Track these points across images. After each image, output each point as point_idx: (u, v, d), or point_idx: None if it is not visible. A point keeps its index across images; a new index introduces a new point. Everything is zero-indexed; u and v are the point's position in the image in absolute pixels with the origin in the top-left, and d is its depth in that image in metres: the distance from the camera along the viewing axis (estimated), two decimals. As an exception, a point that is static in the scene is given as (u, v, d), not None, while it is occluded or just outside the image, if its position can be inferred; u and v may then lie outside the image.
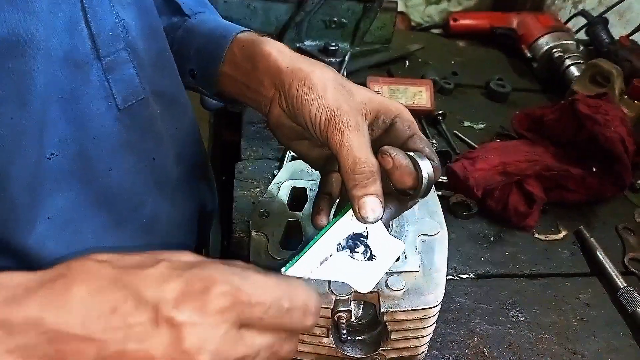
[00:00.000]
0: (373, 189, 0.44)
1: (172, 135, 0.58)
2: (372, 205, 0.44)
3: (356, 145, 0.45)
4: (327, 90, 0.47)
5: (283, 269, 0.43)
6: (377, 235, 0.47)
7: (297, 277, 0.42)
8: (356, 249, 0.46)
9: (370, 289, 0.46)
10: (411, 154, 0.46)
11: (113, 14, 0.46)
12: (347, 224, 0.47)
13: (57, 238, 0.46)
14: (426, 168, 0.45)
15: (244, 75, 0.55)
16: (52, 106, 0.43)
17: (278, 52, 0.52)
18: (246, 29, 0.59)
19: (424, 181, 0.45)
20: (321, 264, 0.44)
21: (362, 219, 0.45)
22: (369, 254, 0.47)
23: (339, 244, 0.46)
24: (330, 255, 0.45)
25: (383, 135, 0.50)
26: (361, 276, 0.46)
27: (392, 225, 0.59)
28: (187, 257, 0.35)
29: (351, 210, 0.46)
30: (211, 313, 0.32)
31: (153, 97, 0.52)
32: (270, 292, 0.34)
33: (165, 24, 0.62)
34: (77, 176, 0.47)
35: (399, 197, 0.48)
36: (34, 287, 0.32)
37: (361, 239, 0.47)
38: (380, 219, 0.45)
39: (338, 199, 0.54)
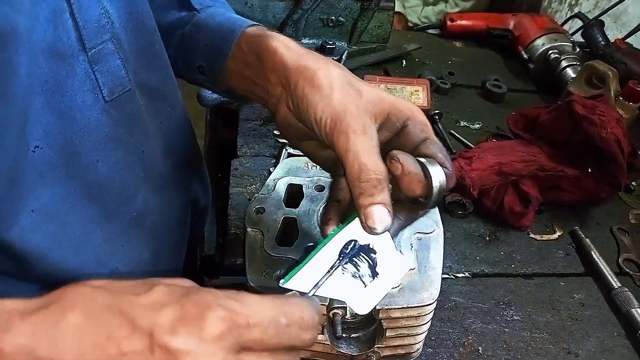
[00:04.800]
0: (380, 198, 0.41)
1: (159, 129, 0.57)
2: (379, 215, 0.41)
3: (362, 151, 0.42)
4: (333, 91, 0.45)
5: (282, 281, 0.40)
6: (383, 249, 0.44)
7: (297, 292, 0.40)
8: (359, 263, 0.43)
9: (368, 311, 0.43)
10: (422, 160, 0.43)
11: (98, 5, 0.46)
12: (351, 234, 0.44)
13: (43, 231, 0.45)
14: (437, 175, 0.42)
15: (251, 72, 0.53)
16: (36, 98, 0.42)
17: (285, 48, 0.49)
18: (255, 23, 0.57)
19: (435, 190, 0.42)
20: (321, 277, 0.41)
21: (369, 230, 0.42)
22: (372, 270, 0.43)
23: (342, 255, 0.43)
24: (332, 268, 0.42)
25: (394, 139, 0.47)
26: (361, 295, 0.42)
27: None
28: (183, 282, 0.35)
29: (357, 220, 0.43)
30: (208, 339, 0.31)
31: (138, 90, 0.52)
32: (267, 312, 0.33)
33: (174, 19, 0.61)
34: (63, 169, 0.46)
35: (410, 205, 0.46)
36: (27, 314, 0.31)
37: (366, 251, 0.44)
38: (389, 230, 0.42)
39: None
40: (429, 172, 0.42)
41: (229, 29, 0.56)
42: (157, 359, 0.30)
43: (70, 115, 0.45)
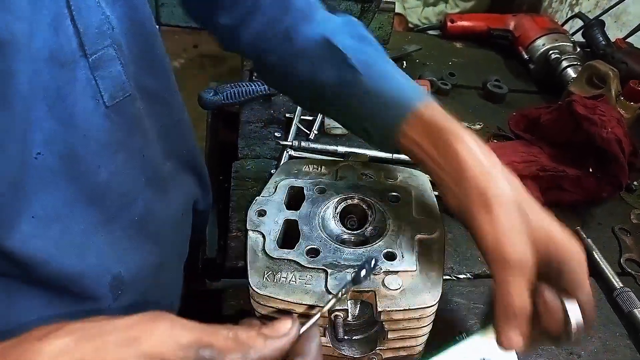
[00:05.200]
0: (517, 325, 0.45)
1: (159, 132, 0.58)
2: (513, 338, 0.45)
3: (513, 285, 0.45)
4: (503, 219, 0.46)
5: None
6: None
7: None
8: None
9: None
10: (566, 300, 0.46)
11: (99, 11, 0.46)
12: (482, 345, 0.49)
13: (44, 237, 0.45)
14: (576, 319, 0.46)
15: (423, 154, 0.53)
16: (38, 105, 0.42)
17: (471, 156, 0.49)
18: (425, 96, 0.55)
19: (572, 332, 0.46)
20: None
21: (499, 346, 0.46)
22: None
23: None
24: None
25: (547, 272, 0.48)
26: None
27: (389, 225, 0.59)
28: (155, 344, 0.32)
29: (492, 333, 0.48)
30: None
31: (138, 94, 0.52)
32: None
33: (334, 78, 0.59)
34: (65, 175, 0.46)
35: (545, 337, 0.49)
36: None
37: None
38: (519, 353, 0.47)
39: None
40: (568, 314, 0.46)
41: (398, 101, 0.55)
42: None
43: (72, 122, 0.45)
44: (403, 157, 0.93)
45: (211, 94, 0.96)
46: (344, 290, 0.49)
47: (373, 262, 0.49)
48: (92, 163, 0.48)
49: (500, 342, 0.46)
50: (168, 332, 0.33)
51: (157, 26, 0.56)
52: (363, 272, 0.48)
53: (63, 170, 0.46)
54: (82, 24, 0.44)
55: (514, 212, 0.47)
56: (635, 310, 0.71)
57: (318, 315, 0.41)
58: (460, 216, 0.51)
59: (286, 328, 0.37)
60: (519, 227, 0.46)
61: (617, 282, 0.75)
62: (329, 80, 0.59)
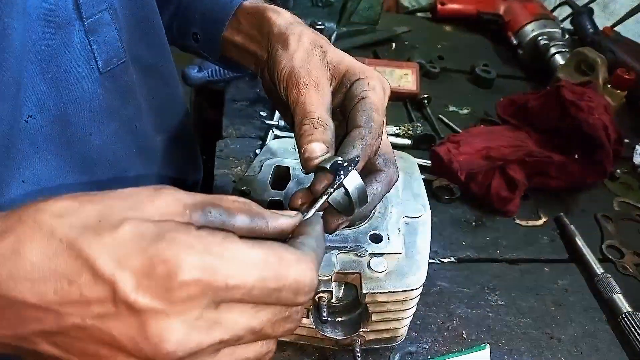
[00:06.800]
0: (319, 137, 0.42)
1: (151, 105, 0.57)
2: (317, 148, 0.41)
3: (310, 102, 0.44)
4: (298, 50, 0.47)
5: None
6: None
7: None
8: None
9: None
10: (338, 161, 0.41)
11: None
12: None
13: (33, 202, 0.44)
14: (351, 184, 0.41)
15: (248, 42, 0.54)
16: (31, 66, 0.41)
17: (280, 18, 0.51)
18: None
19: (352, 200, 0.42)
20: None
21: (306, 162, 0.42)
22: None
23: None
24: None
25: (343, 97, 0.48)
26: None
27: (375, 207, 0.58)
28: (160, 206, 0.31)
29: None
30: (177, 301, 0.28)
31: (132, 63, 0.51)
32: (253, 272, 0.29)
33: None
34: (56, 140, 0.45)
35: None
36: None
37: None
38: (326, 164, 0.41)
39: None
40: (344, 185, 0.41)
41: (227, 0, 0.57)
42: (122, 314, 0.28)
43: (65, 86, 0.45)
44: (392, 140, 0.92)
45: (195, 70, 0.93)
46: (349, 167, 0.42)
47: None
48: (83, 129, 0.47)
49: (303, 155, 0.42)
50: (172, 196, 0.32)
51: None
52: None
53: (54, 134, 0.45)
54: None
55: (310, 47, 0.47)
56: (615, 295, 0.72)
57: (320, 202, 0.40)
58: (272, 91, 0.50)
59: (292, 213, 0.37)
60: (314, 57, 0.47)
61: (598, 268, 0.76)
62: None
